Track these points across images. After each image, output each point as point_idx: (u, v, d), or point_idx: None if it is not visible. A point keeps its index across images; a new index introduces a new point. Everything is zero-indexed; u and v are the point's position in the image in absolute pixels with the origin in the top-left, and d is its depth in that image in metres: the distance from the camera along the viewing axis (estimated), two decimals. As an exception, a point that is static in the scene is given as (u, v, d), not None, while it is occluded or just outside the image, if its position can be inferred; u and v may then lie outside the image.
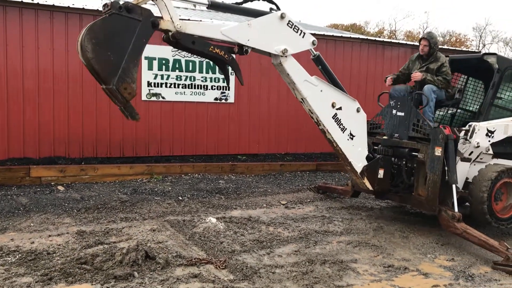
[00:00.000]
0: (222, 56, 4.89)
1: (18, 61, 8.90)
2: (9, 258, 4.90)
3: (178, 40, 4.56)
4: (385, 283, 4.79)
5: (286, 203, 7.99)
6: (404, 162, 6.71)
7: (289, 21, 5.22)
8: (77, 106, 9.43)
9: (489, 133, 6.57)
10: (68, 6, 9.13)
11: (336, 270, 5.02)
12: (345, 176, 10.55)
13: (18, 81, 8.93)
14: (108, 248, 5.20)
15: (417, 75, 6.91)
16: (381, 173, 6.37)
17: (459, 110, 7.74)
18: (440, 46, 7.96)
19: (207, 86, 10.46)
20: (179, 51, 10.13)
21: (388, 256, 5.58)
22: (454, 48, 16.74)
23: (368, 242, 6.03)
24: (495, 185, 6.20)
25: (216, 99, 10.61)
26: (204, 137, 10.69)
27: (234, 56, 5.05)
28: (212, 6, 4.85)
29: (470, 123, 6.59)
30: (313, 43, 5.46)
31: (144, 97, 9.92)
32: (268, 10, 5.30)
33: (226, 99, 10.67)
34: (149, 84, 9.96)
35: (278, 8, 5.29)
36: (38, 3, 8.88)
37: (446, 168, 5.98)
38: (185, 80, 10.27)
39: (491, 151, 6.62)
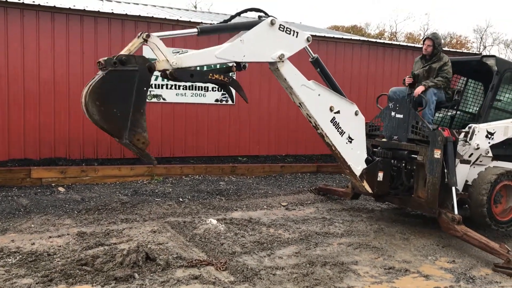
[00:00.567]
0: (222, 80, 4.98)
1: (19, 62, 8.93)
2: (10, 259, 4.91)
3: (177, 77, 4.62)
4: (386, 285, 4.80)
5: (286, 204, 7.99)
6: (403, 165, 6.72)
7: (280, 25, 5.17)
8: (77, 107, 9.41)
9: (489, 134, 6.58)
10: (69, 8, 9.15)
11: (336, 272, 5.03)
12: (346, 178, 10.55)
13: (19, 82, 8.95)
14: (108, 250, 5.21)
15: (418, 90, 6.79)
16: (380, 175, 6.38)
17: (458, 112, 7.75)
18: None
19: (207, 87, 10.48)
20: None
21: (388, 258, 5.58)
22: (454, 50, 16.76)
23: (369, 244, 6.04)
24: (494, 188, 6.20)
25: (216, 100, 10.63)
26: (204, 139, 10.71)
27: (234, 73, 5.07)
28: (202, 33, 4.86)
29: (470, 125, 6.60)
30: (307, 40, 5.42)
31: (144, 99, 9.92)
32: (257, 18, 5.25)
33: (226, 101, 10.69)
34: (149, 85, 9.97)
35: (266, 14, 5.24)
36: (39, 4, 8.90)
37: (445, 170, 5.99)
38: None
39: (490, 154, 6.63)
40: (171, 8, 14.76)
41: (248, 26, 5.05)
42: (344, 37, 12.93)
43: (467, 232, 5.75)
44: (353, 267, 5.20)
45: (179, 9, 15.21)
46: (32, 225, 6.19)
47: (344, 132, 5.95)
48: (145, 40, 4.38)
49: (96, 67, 10.23)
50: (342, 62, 12.19)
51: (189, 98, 10.34)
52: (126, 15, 9.77)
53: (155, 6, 14.49)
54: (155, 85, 10.01)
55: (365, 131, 6.24)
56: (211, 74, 4.92)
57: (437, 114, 7.54)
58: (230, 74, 5.28)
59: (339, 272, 5.03)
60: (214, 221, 6.51)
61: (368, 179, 6.31)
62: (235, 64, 5.14)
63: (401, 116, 6.64)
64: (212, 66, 5.15)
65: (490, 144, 6.62)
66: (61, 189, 8.33)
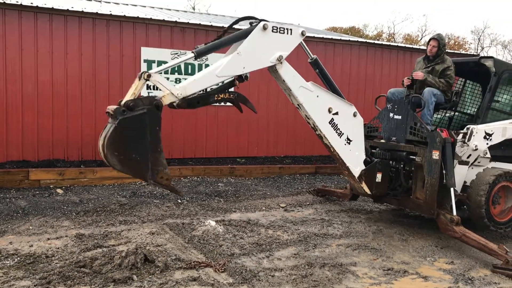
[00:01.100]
0: (228, 97, 5.12)
1: (17, 64, 8.92)
2: (8, 262, 4.89)
3: (185, 106, 4.76)
4: (385, 286, 4.80)
5: (285, 206, 7.99)
6: (402, 166, 6.73)
7: (273, 27, 5.16)
8: (76, 109, 9.45)
9: (487, 135, 6.59)
10: (67, 9, 9.15)
11: (335, 273, 5.03)
12: (344, 179, 10.55)
13: (17, 84, 8.94)
14: (107, 251, 5.20)
15: (419, 74, 6.89)
16: (379, 177, 6.39)
17: (457, 113, 7.76)
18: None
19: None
20: (178, 54, 10.16)
21: (387, 259, 5.58)
22: (452, 51, 16.77)
23: (368, 245, 6.04)
24: (492, 189, 6.21)
25: (215, 102, 10.60)
26: (203, 140, 10.71)
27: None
28: (199, 56, 4.90)
29: (468, 126, 6.61)
30: (302, 34, 5.42)
31: (143, 100, 9.92)
32: (249, 24, 5.25)
33: (225, 102, 10.66)
34: (148, 87, 9.96)
35: (257, 19, 5.23)
36: (37, 6, 8.90)
37: (444, 171, 5.99)
38: (184, 83, 10.25)
39: (488, 155, 6.65)
40: (169, 9, 14.76)
41: (242, 35, 5.06)
42: (343, 38, 12.95)
43: (465, 233, 5.75)
44: (351, 268, 5.20)
45: (177, 10, 15.21)
46: (30, 227, 6.17)
47: (343, 133, 5.96)
48: (147, 80, 4.47)
49: (93, 68, 10.27)
50: (340, 63, 12.21)
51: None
52: (124, 16, 9.77)
53: (153, 7, 14.50)
54: (153, 86, 10.00)
55: (363, 132, 6.25)
56: (216, 96, 5.06)
57: (435, 115, 7.54)
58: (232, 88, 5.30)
59: (338, 273, 5.03)
60: (213, 223, 6.51)
61: (366, 180, 6.32)
62: (236, 77, 5.16)
63: (400, 117, 6.65)
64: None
65: (488, 145, 6.63)
66: (59, 191, 8.32)
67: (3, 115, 8.87)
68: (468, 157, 6.58)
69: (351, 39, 13.52)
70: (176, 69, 10.17)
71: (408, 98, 6.85)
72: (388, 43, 13.92)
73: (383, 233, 6.57)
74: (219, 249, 5.59)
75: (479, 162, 6.67)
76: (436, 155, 6.07)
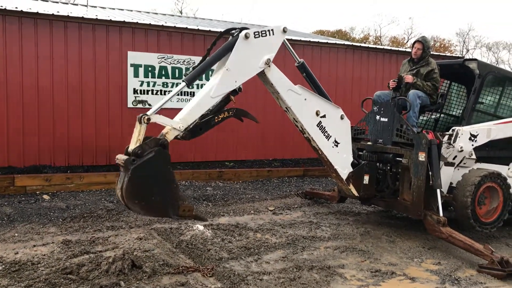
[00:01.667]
0: (228, 115, 5.27)
1: (2, 69, 8.81)
2: (-7, 270, 4.82)
3: (189, 138, 4.90)
4: (372, 288, 4.83)
5: (273, 209, 7.99)
6: (388, 168, 6.78)
7: (254, 33, 5.17)
8: (62, 114, 9.36)
9: (472, 137, 6.67)
10: (53, 14, 9.07)
11: (323, 275, 5.04)
12: (332, 181, 10.59)
13: (1, 89, 8.83)
14: (94, 258, 5.15)
15: (409, 78, 6.95)
16: (366, 179, 6.43)
17: (442, 115, 7.85)
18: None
19: (193, 92, 10.45)
20: (165, 58, 10.13)
21: (375, 261, 5.61)
22: (438, 53, 16.96)
23: (355, 247, 6.06)
24: (478, 189, 6.27)
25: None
26: (191, 144, 10.66)
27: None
28: (190, 83, 4.95)
29: (453, 128, 6.68)
30: (284, 31, 5.43)
31: (130, 104, 9.88)
32: (230, 36, 5.26)
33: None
34: (135, 91, 9.94)
35: (238, 29, 5.25)
36: (21, 10, 8.81)
37: (430, 172, 6.05)
38: (172, 86, 10.25)
39: (474, 156, 6.72)
40: (156, 13, 14.73)
41: (226, 49, 5.08)
42: (329, 41, 13.02)
43: (452, 234, 5.81)
44: (339, 271, 5.22)
45: (164, 14, 15.21)
46: (16, 234, 6.09)
47: (330, 136, 5.99)
48: (147, 123, 4.54)
49: (80, 73, 10.14)
50: (327, 67, 12.27)
51: (175, 104, 10.26)
52: (110, 21, 9.72)
53: (140, 11, 14.45)
54: (140, 91, 9.97)
55: (351, 135, 6.28)
56: (216, 118, 5.17)
57: (421, 117, 7.61)
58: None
59: (326, 276, 5.04)
60: (201, 227, 6.48)
61: (354, 183, 6.36)
62: (230, 92, 5.19)
63: (386, 119, 6.71)
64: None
65: (474, 146, 6.70)
66: (45, 197, 8.22)
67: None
68: (454, 159, 6.65)
69: (337, 42, 13.61)
70: (163, 72, 10.14)
71: (394, 101, 6.90)
72: (374, 46, 14.03)
73: (371, 235, 6.61)
74: (207, 253, 5.57)
75: (464, 163, 6.74)
76: (422, 156, 6.13)
